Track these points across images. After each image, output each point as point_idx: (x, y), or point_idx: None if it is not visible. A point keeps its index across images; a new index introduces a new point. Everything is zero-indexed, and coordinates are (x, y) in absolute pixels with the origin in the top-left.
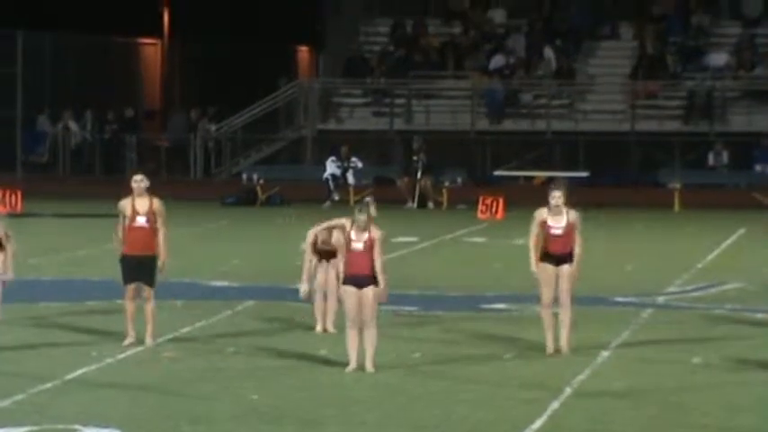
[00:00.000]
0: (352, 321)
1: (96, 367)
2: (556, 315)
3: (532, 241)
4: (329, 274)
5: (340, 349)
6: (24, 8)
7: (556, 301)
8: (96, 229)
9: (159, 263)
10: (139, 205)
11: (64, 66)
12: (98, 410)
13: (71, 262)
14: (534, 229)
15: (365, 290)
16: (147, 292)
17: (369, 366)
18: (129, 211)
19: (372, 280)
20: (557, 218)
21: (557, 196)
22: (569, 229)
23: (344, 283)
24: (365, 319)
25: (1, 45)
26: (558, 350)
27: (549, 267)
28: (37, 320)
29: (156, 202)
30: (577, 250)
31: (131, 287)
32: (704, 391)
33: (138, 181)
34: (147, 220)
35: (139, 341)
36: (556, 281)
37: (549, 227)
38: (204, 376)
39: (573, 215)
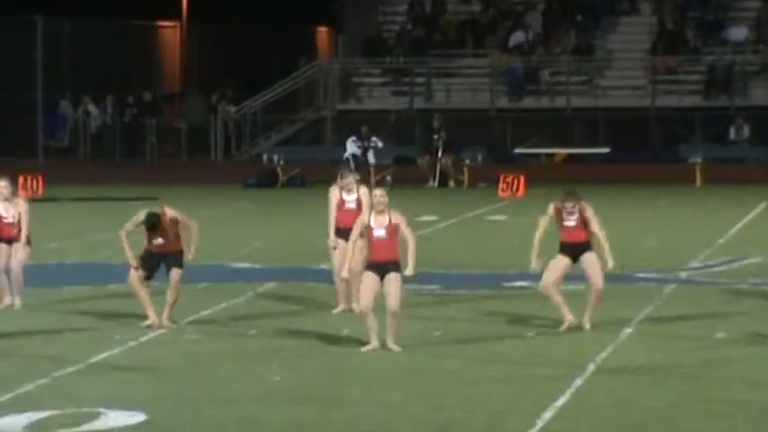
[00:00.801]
0: (365, 307)
1: (119, 350)
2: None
3: (537, 235)
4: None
5: (362, 329)
6: None
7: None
8: (117, 213)
9: (190, 255)
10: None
11: (83, 50)
12: (121, 393)
13: (93, 246)
14: (542, 223)
15: (389, 276)
16: (176, 276)
17: (392, 346)
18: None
19: (396, 266)
20: (569, 213)
21: (569, 206)
22: (582, 221)
23: (367, 268)
24: (390, 306)
25: (21, 31)
26: (579, 326)
27: (564, 259)
28: (60, 304)
29: (169, 211)
30: (601, 233)
31: (138, 273)
32: (727, 366)
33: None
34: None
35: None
36: (563, 271)
37: (563, 217)
38: (227, 358)
39: (586, 210)
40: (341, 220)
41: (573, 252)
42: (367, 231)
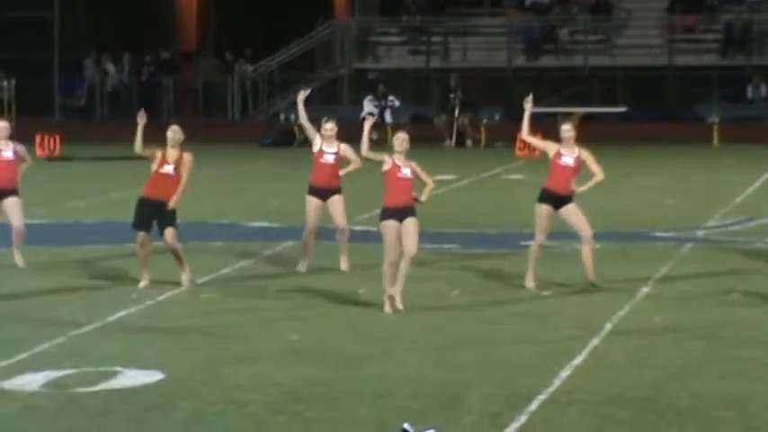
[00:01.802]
0: (391, 262)
1: (136, 310)
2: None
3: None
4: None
5: (379, 289)
6: None
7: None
8: (134, 172)
9: (171, 201)
10: (170, 155)
11: (101, 8)
12: (139, 352)
13: (110, 205)
14: (539, 141)
15: (408, 220)
16: (170, 235)
17: (398, 302)
18: (159, 156)
19: (413, 210)
20: (568, 150)
21: (566, 129)
22: (578, 163)
23: (386, 217)
24: (409, 250)
25: None
26: (591, 284)
27: (547, 209)
28: (77, 263)
29: (186, 156)
30: (599, 177)
31: (141, 234)
32: (744, 326)
33: (175, 132)
34: (175, 169)
35: (166, 283)
36: (551, 222)
37: (560, 154)
38: (244, 317)
39: (584, 152)
40: (317, 177)
41: (556, 203)
42: (392, 171)
